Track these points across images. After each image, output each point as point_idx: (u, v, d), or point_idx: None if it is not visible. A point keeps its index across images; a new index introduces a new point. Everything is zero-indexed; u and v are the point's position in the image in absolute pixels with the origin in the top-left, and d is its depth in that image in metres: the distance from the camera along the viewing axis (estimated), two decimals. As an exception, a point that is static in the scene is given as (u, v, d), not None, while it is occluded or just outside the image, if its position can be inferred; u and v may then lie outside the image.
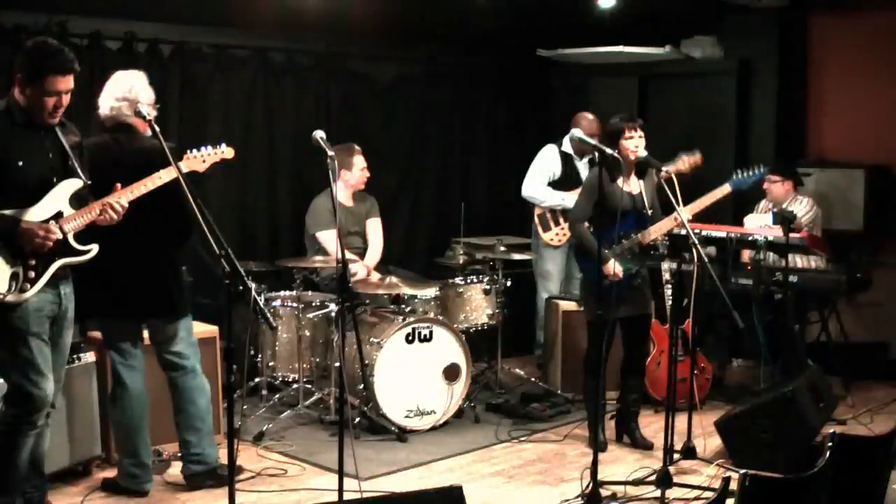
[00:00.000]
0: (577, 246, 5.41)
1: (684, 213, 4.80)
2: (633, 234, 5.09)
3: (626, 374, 5.42)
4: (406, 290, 5.70)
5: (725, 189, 5.25)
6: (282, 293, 5.90)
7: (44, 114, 3.80)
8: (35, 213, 3.79)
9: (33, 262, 3.77)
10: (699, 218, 5.43)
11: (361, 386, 5.43)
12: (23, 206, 3.77)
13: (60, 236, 3.79)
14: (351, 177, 6.01)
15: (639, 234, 5.10)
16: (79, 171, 3.93)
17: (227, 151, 4.30)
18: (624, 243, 5.07)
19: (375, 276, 5.87)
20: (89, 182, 3.96)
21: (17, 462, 3.89)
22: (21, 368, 3.81)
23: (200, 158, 4.21)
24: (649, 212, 5.17)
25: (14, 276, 3.73)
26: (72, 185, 3.90)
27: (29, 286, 3.76)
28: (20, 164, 3.76)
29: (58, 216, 3.84)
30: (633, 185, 5.14)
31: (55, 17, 5.52)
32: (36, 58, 3.75)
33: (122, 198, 3.92)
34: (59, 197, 3.86)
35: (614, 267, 5.00)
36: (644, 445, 5.33)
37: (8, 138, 3.77)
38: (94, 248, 3.96)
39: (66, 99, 3.82)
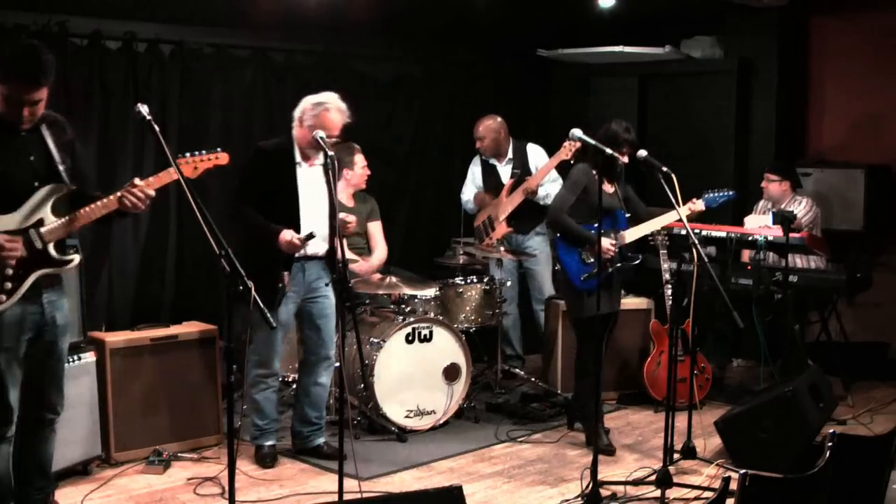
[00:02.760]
0: (561, 239, 5.27)
1: (683, 211, 4.81)
2: (613, 234, 5.09)
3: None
4: (406, 290, 5.70)
5: (701, 206, 5.25)
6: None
7: (12, 118, 3.60)
8: (12, 221, 3.62)
9: (10, 273, 3.60)
10: (700, 218, 5.45)
11: (361, 386, 5.44)
12: (1, 212, 3.60)
13: (19, 252, 3.59)
14: (353, 175, 6.00)
15: (619, 234, 5.11)
16: (63, 175, 3.73)
17: (221, 157, 4.00)
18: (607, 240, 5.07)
19: (376, 276, 5.87)
20: (74, 187, 3.77)
21: None
22: None
23: (192, 164, 3.91)
24: (627, 213, 5.22)
25: None
26: (54, 191, 3.70)
27: (5, 298, 3.60)
28: None
29: (38, 224, 3.66)
30: (610, 187, 5.19)
31: (55, 17, 5.52)
32: (8, 60, 3.55)
33: (149, 188, 3.77)
34: (39, 203, 3.66)
35: (611, 244, 5.04)
36: (608, 452, 5.19)
37: None
38: (76, 259, 3.80)
39: (37, 109, 3.62)
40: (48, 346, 3.83)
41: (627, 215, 5.25)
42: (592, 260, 5.03)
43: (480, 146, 6.70)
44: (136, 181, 3.78)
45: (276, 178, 4.85)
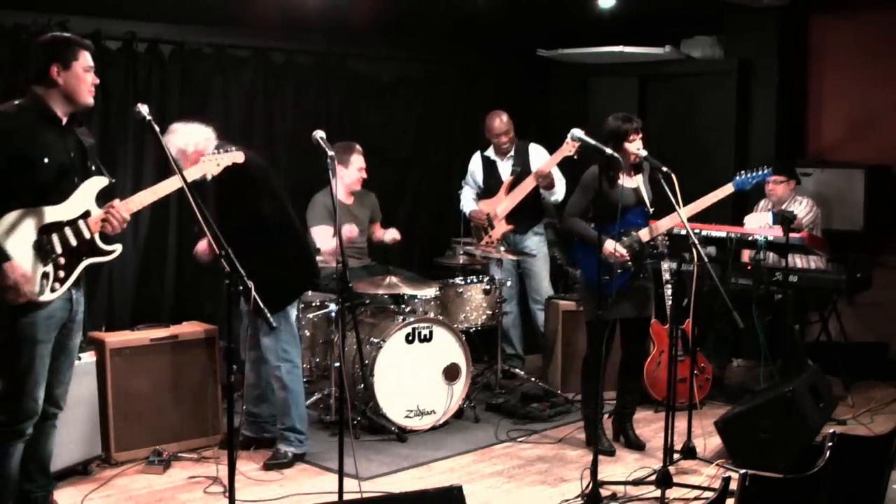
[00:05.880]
0: (574, 242, 5.30)
1: (684, 212, 4.79)
2: (634, 231, 5.08)
3: (623, 375, 5.41)
4: (406, 290, 5.70)
5: (728, 189, 5.06)
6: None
7: (86, 93, 3.80)
8: (63, 212, 3.78)
9: (63, 262, 3.78)
10: (699, 218, 5.42)
11: (361, 386, 5.44)
12: (43, 203, 3.73)
13: (37, 288, 3.73)
14: (346, 175, 5.95)
15: (639, 231, 5.08)
16: (102, 168, 3.96)
17: (237, 155, 4.39)
18: (624, 240, 5.04)
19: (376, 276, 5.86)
20: (114, 180, 4.00)
21: (6, 472, 3.81)
22: (19, 376, 3.73)
23: (215, 162, 4.29)
24: (651, 209, 5.15)
25: (45, 276, 3.73)
26: (99, 183, 3.91)
27: (58, 286, 3.78)
28: (45, 160, 3.72)
29: (86, 215, 3.85)
30: (633, 181, 5.13)
31: (55, 17, 5.52)
32: (63, 42, 3.79)
33: (124, 211, 3.90)
34: (87, 195, 3.87)
35: (614, 247, 4.95)
36: (637, 446, 5.32)
37: (34, 133, 3.73)
38: (118, 248, 3.98)
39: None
40: (64, 342, 3.94)
41: (651, 210, 5.12)
42: (612, 260, 4.96)
43: (506, 140, 6.64)
44: (116, 202, 3.92)
45: None
